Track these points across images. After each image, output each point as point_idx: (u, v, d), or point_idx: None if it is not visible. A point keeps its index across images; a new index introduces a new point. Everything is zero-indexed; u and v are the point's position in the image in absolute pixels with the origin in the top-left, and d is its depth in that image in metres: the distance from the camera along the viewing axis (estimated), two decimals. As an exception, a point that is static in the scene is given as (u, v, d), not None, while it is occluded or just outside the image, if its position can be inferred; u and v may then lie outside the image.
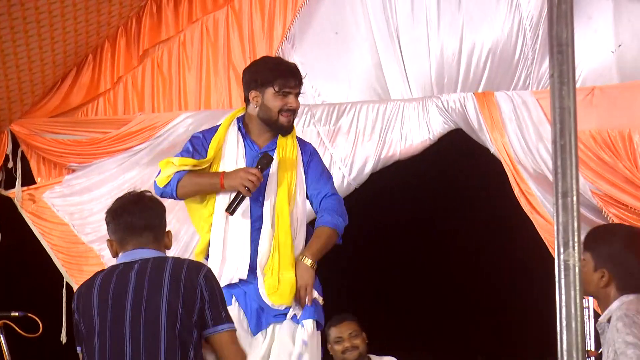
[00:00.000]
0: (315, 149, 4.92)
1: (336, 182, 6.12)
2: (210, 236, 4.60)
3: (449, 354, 7.45)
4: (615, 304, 3.56)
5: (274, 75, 4.63)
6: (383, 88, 6.47)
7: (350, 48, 6.54)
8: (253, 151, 4.67)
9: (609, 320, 3.55)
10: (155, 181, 4.67)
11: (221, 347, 3.86)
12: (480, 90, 6.30)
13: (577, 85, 5.80)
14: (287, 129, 4.68)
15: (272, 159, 4.58)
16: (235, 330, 3.94)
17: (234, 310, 4.42)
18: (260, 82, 4.64)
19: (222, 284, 4.29)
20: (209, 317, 3.81)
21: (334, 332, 6.09)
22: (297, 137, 4.81)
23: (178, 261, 3.89)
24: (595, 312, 5.73)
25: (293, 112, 4.68)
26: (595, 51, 6.19)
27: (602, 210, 5.94)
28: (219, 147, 4.66)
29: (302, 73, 4.74)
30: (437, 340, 7.60)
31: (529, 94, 6.17)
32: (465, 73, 6.32)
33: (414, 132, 6.32)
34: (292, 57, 6.54)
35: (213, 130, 4.75)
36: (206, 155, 4.65)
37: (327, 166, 6.16)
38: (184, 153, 4.69)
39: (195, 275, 3.81)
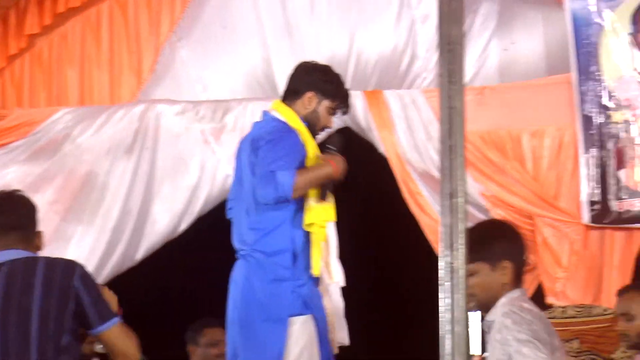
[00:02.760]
0: None
1: (220, 182, 6.05)
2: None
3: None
4: (501, 300, 3.56)
5: (339, 93, 4.80)
6: (271, 84, 6.40)
7: (239, 43, 6.46)
8: None
9: None
10: (279, 187, 4.48)
11: (112, 343, 3.74)
12: (370, 89, 6.24)
13: (467, 85, 5.79)
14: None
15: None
16: (120, 322, 3.77)
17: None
18: (325, 91, 4.75)
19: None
20: (94, 316, 3.69)
21: (210, 334, 5.75)
22: None
23: (50, 261, 3.75)
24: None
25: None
26: (486, 50, 6.20)
27: (490, 212, 5.92)
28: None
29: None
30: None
31: (419, 92, 6.15)
32: (355, 70, 6.27)
33: (302, 130, 6.24)
34: (179, 51, 6.45)
35: (292, 129, 4.68)
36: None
37: (213, 166, 6.08)
38: (300, 151, 4.62)
39: (70, 277, 3.68)
